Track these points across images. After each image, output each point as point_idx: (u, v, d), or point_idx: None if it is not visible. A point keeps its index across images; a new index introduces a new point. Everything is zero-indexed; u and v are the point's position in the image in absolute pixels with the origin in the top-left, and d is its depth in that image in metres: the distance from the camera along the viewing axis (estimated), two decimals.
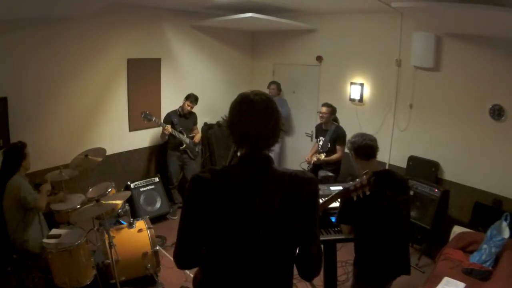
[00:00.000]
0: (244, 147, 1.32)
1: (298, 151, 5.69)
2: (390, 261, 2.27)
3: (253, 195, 1.26)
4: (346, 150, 4.28)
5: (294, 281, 1.45)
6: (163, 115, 5.00)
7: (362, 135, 2.36)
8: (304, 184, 1.31)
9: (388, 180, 2.28)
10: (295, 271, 1.40)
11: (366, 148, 2.30)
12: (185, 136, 4.85)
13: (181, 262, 1.38)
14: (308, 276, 1.43)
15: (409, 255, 2.40)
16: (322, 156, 4.34)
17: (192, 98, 4.78)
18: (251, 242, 1.25)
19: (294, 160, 5.58)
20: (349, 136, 4.17)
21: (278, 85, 5.50)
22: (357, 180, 1.55)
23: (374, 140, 2.35)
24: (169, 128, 4.66)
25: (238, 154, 1.35)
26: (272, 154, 1.37)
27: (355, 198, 1.55)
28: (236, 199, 1.26)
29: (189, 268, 1.43)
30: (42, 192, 3.12)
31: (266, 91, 5.27)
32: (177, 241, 1.36)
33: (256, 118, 1.27)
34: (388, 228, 2.23)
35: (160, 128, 4.71)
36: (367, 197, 2.14)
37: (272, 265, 1.30)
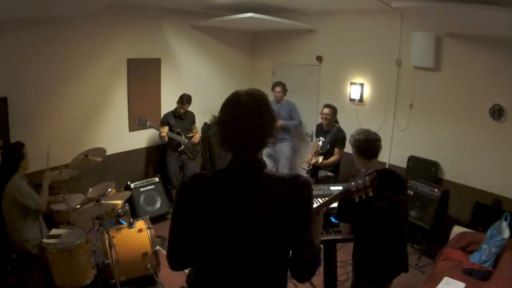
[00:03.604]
0: (229, 149, 1.29)
1: (298, 151, 5.69)
2: (389, 261, 2.27)
3: (244, 201, 1.22)
4: (346, 150, 4.35)
5: (294, 280, 1.44)
6: (163, 115, 4.99)
7: (367, 133, 2.30)
8: (298, 188, 1.27)
9: (388, 179, 2.28)
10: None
11: (369, 147, 2.27)
12: (183, 137, 4.84)
13: (174, 264, 1.36)
14: (300, 280, 1.39)
15: (407, 254, 2.40)
16: (320, 159, 4.34)
17: (184, 100, 4.71)
18: (242, 248, 1.22)
19: (294, 160, 5.59)
20: (348, 136, 4.20)
21: (283, 86, 5.14)
22: (359, 181, 1.54)
23: (378, 139, 2.30)
24: (165, 130, 4.65)
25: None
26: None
27: (357, 200, 1.54)
28: (226, 206, 1.22)
29: (182, 269, 1.41)
30: (43, 192, 3.11)
31: (270, 93, 5.25)
32: (168, 244, 1.34)
33: (244, 117, 1.22)
34: (387, 228, 2.23)
35: (161, 128, 4.71)
36: (368, 196, 2.13)
37: (265, 270, 1.27)
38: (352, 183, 1.57)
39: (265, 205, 1.22)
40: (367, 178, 1.58)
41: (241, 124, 1.23)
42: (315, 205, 1.40)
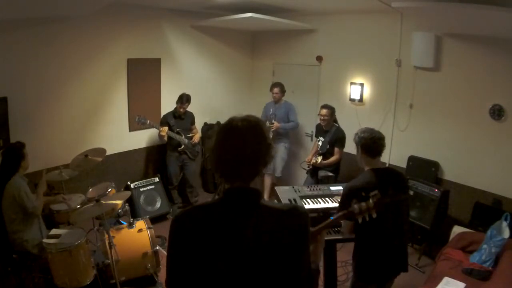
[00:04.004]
0: (222, 176, 1.24)
1: (298, 151, 5.70)
2: (389, 260, 2.27)
3: (240, 235, 1.19)
4: (345, 150, 4.35)
5: None
6: (162, 116, 4.99)
7: (372, 132, 2.32)
8: (295, 220, 1.24)
9: (391, 178, 2.28)
10: None
11: (373, 146, 2.28)
12: (183, 137, 4.85)
13: None
14: None
15: (407, 253, 2.40)
16: (319, 159, 4.35)
17: (183, 99, 4.71)
18: (239, 281, 1.19)
19: (294, 160, 5.59)
20: (348, 136, 4.19)
21: (281, 87, 5.13)
22: (362, 204, 1.53)
23: (382, 138, 2.32)
24: (165, 130, 4.65)
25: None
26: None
27: (360, 221, 1.52)
28: (222, 241, 1.19)
29: None
30: (38, 197, 3.08)
31: (268, 94, 5.26)
32: (167, 275, 1.29)
33: (237, 143, 1.19)
34: (389, 227, 2.23)
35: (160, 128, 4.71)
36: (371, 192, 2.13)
37: None
38: (355, 206, 1.55)
39: (261, 239, 1.19)
40: (371, 200, 1.56)
41: (234, 148, 1.19)
42: (316, 227, 1.37)
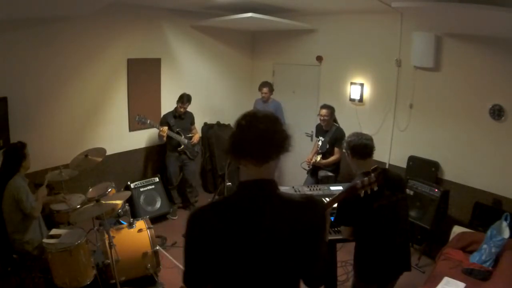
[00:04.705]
0: (244, 161, 1.23)
1: (298, 151, 5.67)
2: (390, 260, 2.27)
3: (258, 227, 1.21)
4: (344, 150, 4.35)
5: None
6: (162, 116, 4.99)
7: (358, 135, 2.36)
8: (312, 210, 1.27)
9: (386, 179, 2.28)
10: None
11: (362, 147, 2.29)
12: (183, 137, 4.84)
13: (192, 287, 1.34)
14: (315, 286, 1.41)
15: (409, 252, 2.40)
16: (318, 158, 4.35)
17: (184, 99, 4.71)
18: (257, 272, 1.22)
19: (294, 160, 5.58)
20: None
21: (270, 87, 5.25)
22: (365, 178, 1.56)
23: (370, 139, 2.34)
24: (165, 130, 4.65)
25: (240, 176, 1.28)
26: None
27: (362, 195, 1.57)
28: (240, 234, 1.21)
29: None
30: (38, 199, 3.07)
31: (258, 93, 5.30)
32: (184, 270, 1.31)
33: (259, 128, 1.20)
34: (388, 227, 2.23)
35: (160, 128, 4.71)
36: (367, 197, 2.14)
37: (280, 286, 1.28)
38: (358, 181, 1.58)
39: (280, 230, 1.21)
40: (372, 174, 1.60)
41: (256, 133, 1.19)
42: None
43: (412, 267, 2.48)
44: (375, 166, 1.66)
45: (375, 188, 1.57)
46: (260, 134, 1.19)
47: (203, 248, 1.23)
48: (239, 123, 1.24)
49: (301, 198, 1.30)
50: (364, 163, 2.31)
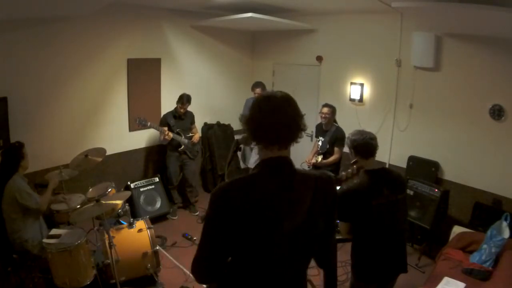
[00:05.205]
0: (261, 142, 1.29)
1: (298, 151, 5.68)
2: (388, 260, 2.27)
3: (287, 200, 1.25)
4: (345, 150, 4.34)
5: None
6: (162, 116, 4.99)
7: (362, 133, 2.34)
8: (328, 184, 1.36)
9: (386, 178, 2.28)
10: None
11: (366, 146, 2.29)
12: (183, 137, 4.84)
13: (202, 276, 1.33)
14: (328, 264, 1.48)
15: (406, 254, 2.40)
16: (319, 159, 4.35)
17: (184, 99, 4.70)
18: (282, 250, 1.26)
19: (294, 160, 5.58)
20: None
21: (263, 87, 5.17)
22: (348, 170, 1.65)
23: (374, 138, 2.33)
24: (170, 135, 4.65)
25: (257, 156, 1.33)
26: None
27: (345, 187, 1.71)
28: (267, 209, 1.23)
29: (209, 282, 1.39)
30: (47, 192, 3.10)
31: (251, 93, 5.28)
32: (199, 255, 1.29)
33: (278, 107, 1.26)
34: (386, 227, 2.23)
35: (161, 129, 4.70)
36: (365, 194, 2.14)
37: (299, 264, 1.35)
38: (343, 173, 1.84)
39: (304, 202, 1.28)
40: (354, 166, 1.90)
41: (275, 112, 1.25)
42: None
43: (412, 267, 2.49)
44: (355, 159, 1.82)
45: (355, 181, 1.72)
46: (285, 120, 1.26)
47: (229, 225, 1.23)
48: (260, 107, 1.28)
49: (317, 172, 1.39)
50: (367, 162, 2.31)
